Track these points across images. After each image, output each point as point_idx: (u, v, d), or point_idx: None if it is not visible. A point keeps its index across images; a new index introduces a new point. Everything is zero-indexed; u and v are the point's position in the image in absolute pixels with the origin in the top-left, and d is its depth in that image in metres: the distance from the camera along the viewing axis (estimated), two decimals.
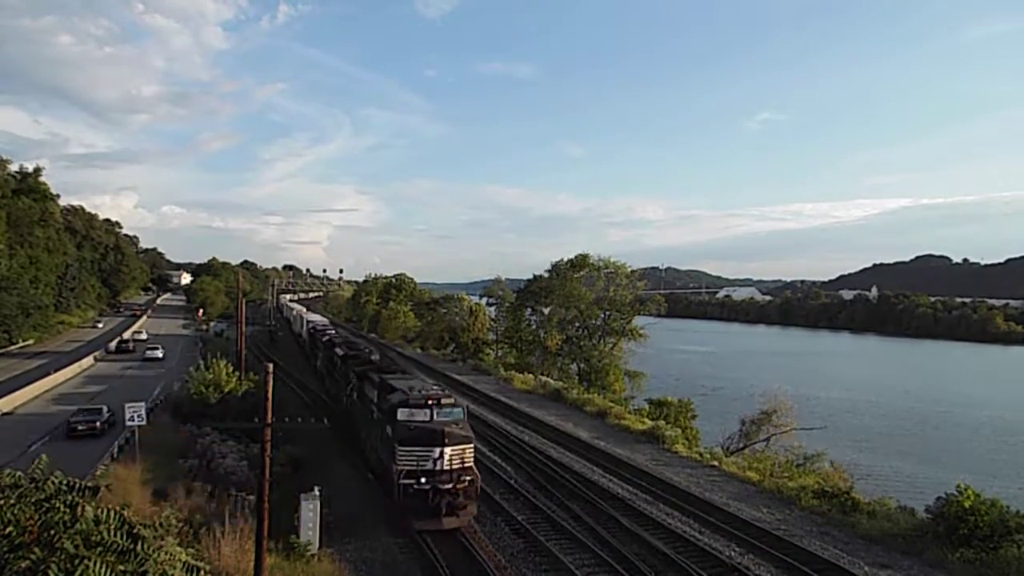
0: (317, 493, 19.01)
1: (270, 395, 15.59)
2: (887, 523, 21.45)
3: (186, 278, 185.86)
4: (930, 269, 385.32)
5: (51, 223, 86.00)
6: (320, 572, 17.39)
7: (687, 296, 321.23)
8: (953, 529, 19.46)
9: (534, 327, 70.80)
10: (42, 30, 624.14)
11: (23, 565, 5.23)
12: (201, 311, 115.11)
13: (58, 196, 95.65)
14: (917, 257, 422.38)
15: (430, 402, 20.76)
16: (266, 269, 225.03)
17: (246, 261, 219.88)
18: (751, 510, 23.25)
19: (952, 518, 19.65)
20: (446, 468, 19.62)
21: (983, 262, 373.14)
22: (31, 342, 67.24)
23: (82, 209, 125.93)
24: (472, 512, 20.30)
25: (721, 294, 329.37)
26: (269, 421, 15.31)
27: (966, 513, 19.43)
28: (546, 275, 69.81)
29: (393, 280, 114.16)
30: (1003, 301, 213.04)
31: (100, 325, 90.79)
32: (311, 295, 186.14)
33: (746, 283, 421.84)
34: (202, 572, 6.20)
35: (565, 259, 69.20)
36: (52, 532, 5.45)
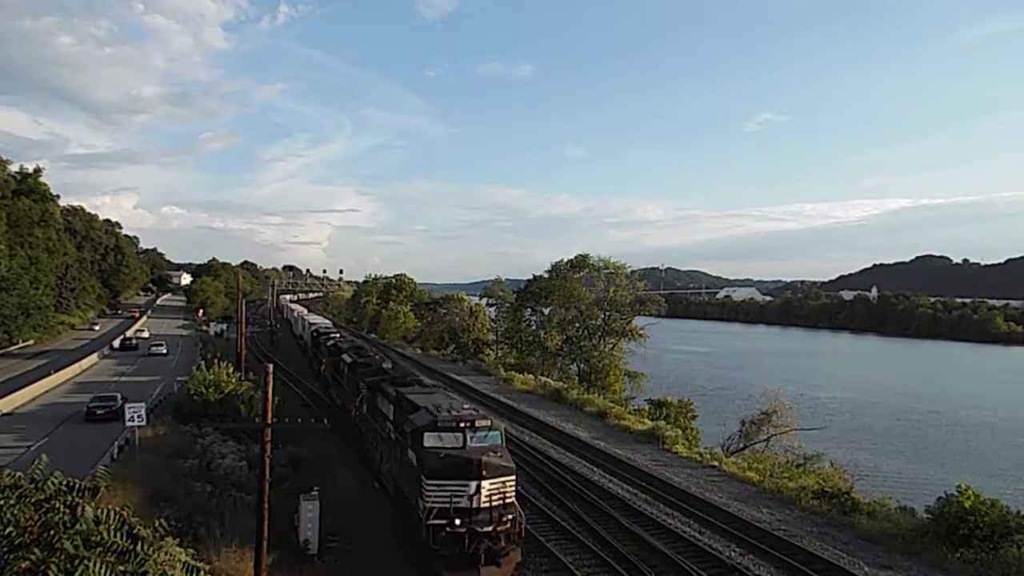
0: (316, 494, 19.01)
1: (270, 396, 15.60)
2: (887, 523, 21.46)
3: (186, 279, 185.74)
4: (930, 269, 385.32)
5: (51, 224, 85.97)
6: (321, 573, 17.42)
7: (687, 296, 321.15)
8: (953, 529, 19.47)
9: (534, 327, 70.80)
10: (42, 30, 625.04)
11: (23, 565, 5.23)
12: (201, 311, 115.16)
13: (58, 197, 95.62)
14: (917, 257, 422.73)
15: (462, 425, 17.75)
16: (266, 269, 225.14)
17: (246, 262, 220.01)
18: (751, 510, 23.25)
19: (952, 518, 19.65)
20: (484, 506, 16.58)
21: (983, 262, 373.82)
22: (31, 343, 67.27)
23: (82, 210, 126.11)
24: (516, 559, 17.13)
25: (721, 294, 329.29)
26: (269, 421, 15.32)
27: (966, 513, 19.44)
28: (546, 276, 69.81)
29: (393, 280, 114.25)
30: (1003, 301, 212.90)
31: (97, 327, 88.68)
32: (311, 296, 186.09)
33: (746, 283, 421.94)
34: (202, 573, 6.20)
35: (565, 260, 69.29)
36: (52, 532, 5.45)
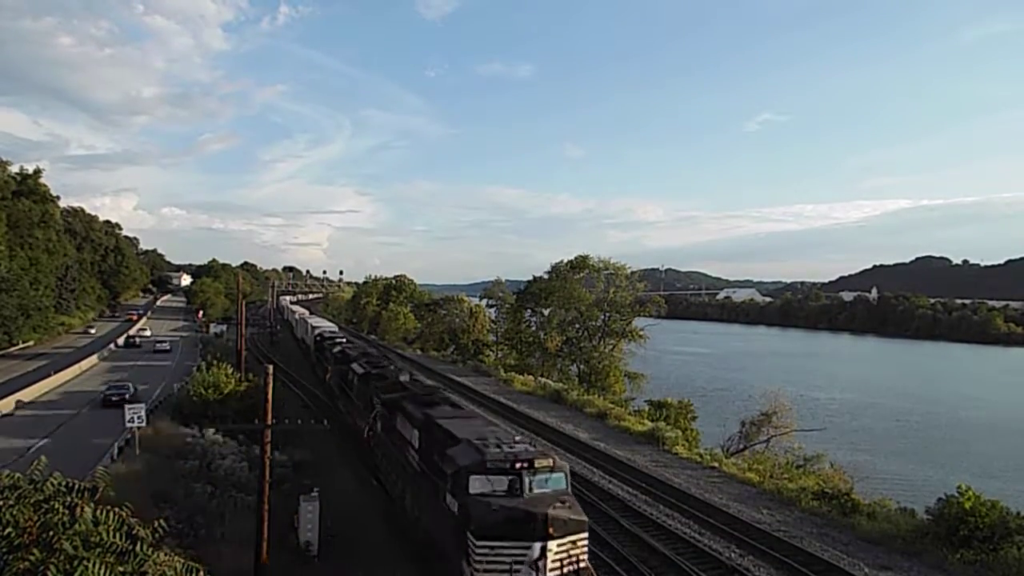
0: (316, 494, 19.01)
1: (270, 396, 15.61)
2: (887, 524, 21.45)
3: (186, 279, 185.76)
4: (930, 270, 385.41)
5: (51, 225, 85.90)
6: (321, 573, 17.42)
7: (687, 297, 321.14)
8: (953, 530, 19.46)
9: (534, 328, 70.82)
10: (42, 31, 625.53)
11: (22, 566, 5.23)
12: (201, 312, 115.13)
13: (58, 198, 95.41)
14: (917, 258, 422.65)
15: (518, 465, 13.93)
16: (266, 270, 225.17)
17: (246, 262, 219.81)
18: (751, 511, 23.25)
19: (952, 519, 19.64)
20: (551, 574, 12.98)
21: (983, 263, 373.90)
22: (31, 343, 67.28)
23: (82, 211, 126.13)
24: None
25: (721, 295, 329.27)
26: (269, 422, 15.33)
27: (966, 514, 19.43)
28: (546, 276, 69.86)
29: (393, 281, 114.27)
30: (1003, 302, 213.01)
31: (93, 331, 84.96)
32: (311, 296, 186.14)
33: (746, 284, 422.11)
34: (201, 573, 6.19)
35: (565, 260, 69.39)
36: (51, 533, 5.45)
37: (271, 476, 15.89)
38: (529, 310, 71.73)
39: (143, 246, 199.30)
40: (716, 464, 29.81)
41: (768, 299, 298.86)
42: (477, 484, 13.79)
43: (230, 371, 35.55)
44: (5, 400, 37.29)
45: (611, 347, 66.07)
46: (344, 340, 48.92)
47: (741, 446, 39.73)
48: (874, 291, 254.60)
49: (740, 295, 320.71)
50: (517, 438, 16.17)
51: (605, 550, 18.99)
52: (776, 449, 37.71)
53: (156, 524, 6.39)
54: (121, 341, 72.85)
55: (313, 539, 18.35)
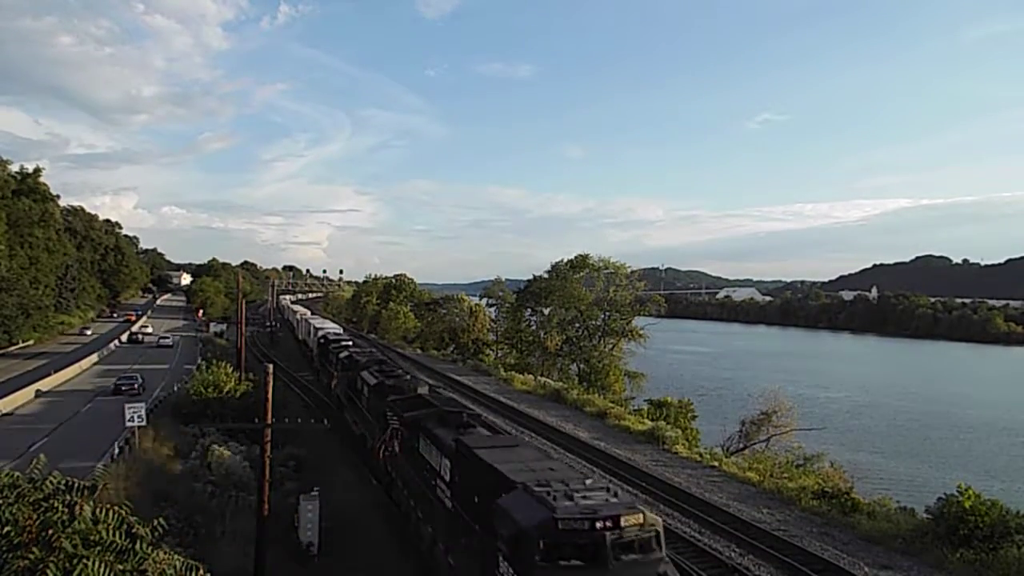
0: (316, 494, 19.01)
1: (270, 396, 15.63)
2: (887, 524, 21.45)
3: (186, 279, 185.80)
4: (930, 269, 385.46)
5: (51, 224, 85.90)
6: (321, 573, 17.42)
7: (687, 296, 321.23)
8: (953, 530, 19.45)
9: (534, 328, 70.81)
10: (43, 31, 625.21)
11: (22, 564, 5.22)
12: (201, 312, 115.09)
13: (58, 197, 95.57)
14: (917, 258, 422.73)
15: (600, 526, 10.39)
16: (266, 270, 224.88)
17: (246, 262, 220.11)
18: (751, 511, 23.24)
19: (952, 519, 19.63)
20: None
21: (983, 262, 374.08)
22: (31, 342, 67.28)
23: (82, 210, 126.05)
24: None
25: (721, 294, 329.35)
26: (269, 421, 15.34)
27: (966, 514, 19.41)
28: (546, 276, 69.85)
29: (393, 280, 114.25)
30: (1003, 302, 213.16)
31: (89, 332, 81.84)
32: (311, 296, 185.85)
33: (746, 283, 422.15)
34: (201, 571, 6.19)
35: (565, 260, 69.38)
36: (51, 532, 5.45)
37: (271, 475, 15.92)
38: (529, 309, 71.73)
39: (143, 245, 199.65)
40: (716, 463, 29.81)
41: (768, 298, 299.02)
42: (547, 554, 10.24)
43: (230, 370, 35.57)
44: (25, 390, 40.58)
45: (611, 346, 66.08)
46: (350, 343, 45.94)
47: (741, 445, 39.74)
48: (874, 290, 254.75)
49: (740, 294, 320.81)
50: (588, 481, 12.10)
51: None
52: (776, 448, 37.73)
53: (155, 523, 6.38)
54: (124, 338, 76.76)
55: (313, 538, 18.36)
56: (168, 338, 75.64)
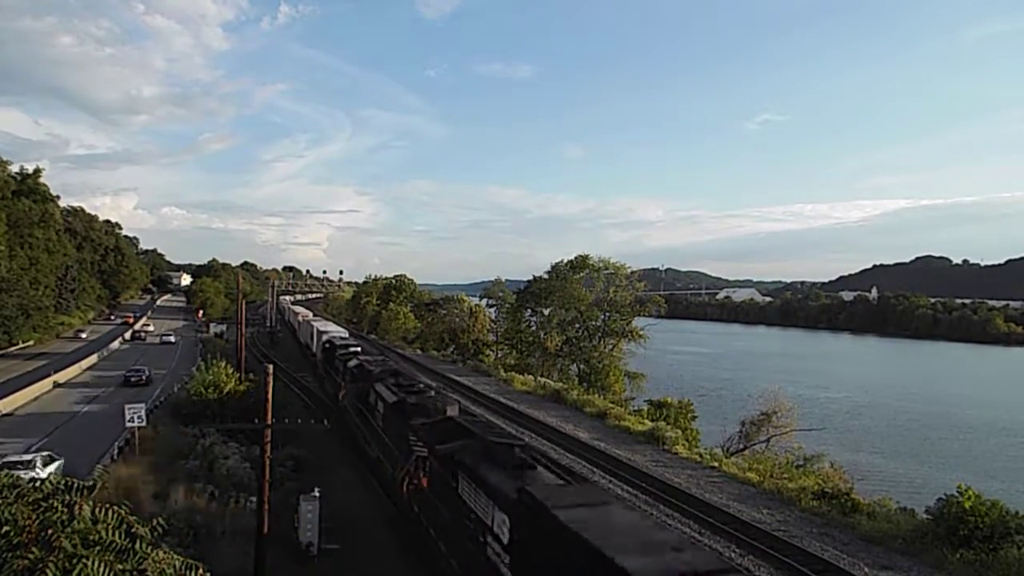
0: (316, 494, 19.00)
1: (270, 396, 15.62)
2: (887, 524, 21.45)
3: (186, 279, 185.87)
4: (930, 270, 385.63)
5: (51, 224, 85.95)
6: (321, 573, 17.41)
7: (687, 297, 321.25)
8: (953, 530, 19.46)
9: (534, 328, 70.84)
10: (43, 31, 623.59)
11: (22, 564, 5.22)
12: (201, 312, 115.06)
13: (58, 197, 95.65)
14: (917, 258, 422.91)
15: None
16: (266, 270, 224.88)
17: (246, 262, 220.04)
18: (751, 511, 23.25)
19: (952, 519, 19.64)
20: None
21: (983, 263, 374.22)
22: (31, 343, 67.29)
23: (82, 210, 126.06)
24: None
25: (721, 295, 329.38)
26: (269, 422, 15.34)
27: (966, 514, 19.42)
28: (546, 276, 69.88)
29: (393, 281, 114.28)
30: (1003, 302, 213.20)
31: (84, 335, 79.13)
32: (311, 296, 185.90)
33: (746, 284, 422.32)
34: (200, 570, 6.19)
35: (565, 260, 69.42)
36: (50, 531, 5.45)
37: (271, 476, 15.91)
38: (529, 310, 71.75)
39: (143, 246, 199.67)
40: (716, 464, 29.81)
41: (768, 299, 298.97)
42: None
43: (230, 370, 35.57)
44: (44, 380, 44.39)
45: (611, 347, 66.10)
46: (359, 349, 42.17)
47: (741, 446, 39.75)
48: (874, 291, 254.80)
49: (740, 295, 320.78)
50: (698, 554, 9.47)
51: None
52: (776, 449, 37.73)
53: (155, 522, 6.39)
54: (128, 336, 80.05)
55: (313, 539, 18.35)
56: (171, 335, 79.71)
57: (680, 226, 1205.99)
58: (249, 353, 52.90)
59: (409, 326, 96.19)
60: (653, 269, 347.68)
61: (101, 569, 5.30)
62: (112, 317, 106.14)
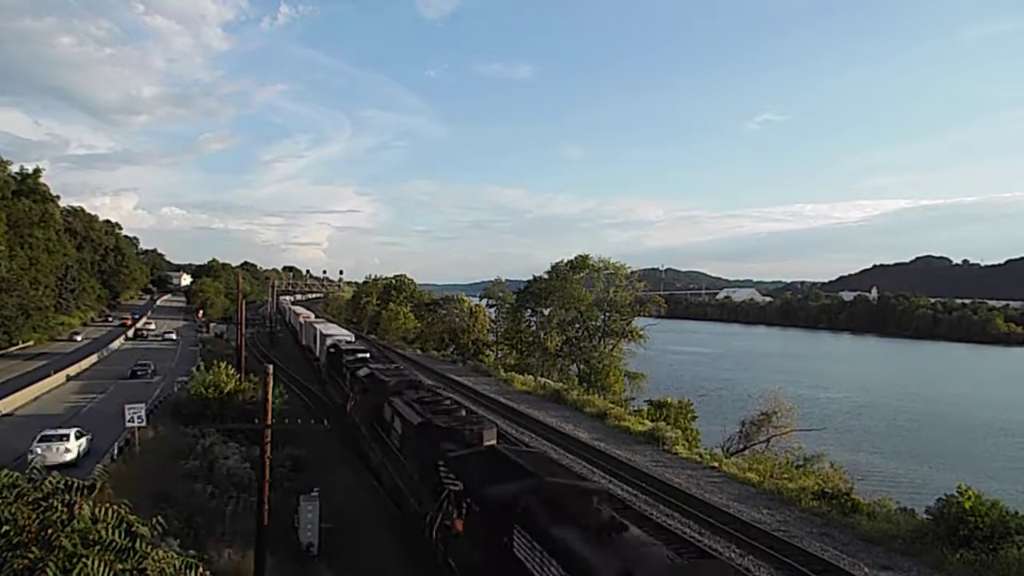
0: (316, 494, 19.00)
1: (270, 396, 15.61)
2: (887, 524, 21.45)
3: (186, 279, 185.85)
4: (930, 270, 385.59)
5: (51, 224, 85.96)
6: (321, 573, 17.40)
7: (687, 297, 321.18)
8: (953, 530, 19.46)
9: (534, 328, 70.85)
10: (43, 31, 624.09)
11: (22, 564, 5.22)
12: (201, 312, 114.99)
13: (58, 197, 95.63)
14: (917, 258, 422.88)
15: None
16: (266, 270, 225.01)
17: (246, 262, 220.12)
18: (751, 511, 23.24)
19: (952, 519, 19.64)
20: None
21: (983, 263, 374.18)
22: (31, 343, 67.28)
23: (82, 210, 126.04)
24: None
25: (721, 295, 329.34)
26: (269, 422, 15.33)
27: (966, 514, 19.42)
28: (546, 276, 69.90)
29: (393, 281, 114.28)
30: (1003, 302, 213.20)
31: (79, 338, 75.78)
32: (311, 296, 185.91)
33: (746, 284, 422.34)
34: (200, 569, 6.19)
35: (565, 260, 69.45)
36: (50, 531, 5.45)
37: (271, 476, 15.90)
38: (529, 310, 71.76)
39: (143, 246, 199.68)
40: (716, 464, 29.80)
41: (768, 299, 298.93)
42: None
43: (231, 371, 35.55)
44: (59, 374, 47.44)
45: (611, 347, 66.10)
46: (367, 355, 38.58)
47: (741, 446, 39.74)
48: (874, 291, 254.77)
49: (740, 295, 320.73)
50: None
51: None
52: (776, 449, 37.73)
53: (155, 522, 6.39)
54: (131, 334, 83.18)
55: (313, 539, 18.36)
56: (172, 333, 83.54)
57: (680, 226, 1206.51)
58: (249, 353, 52.89)
59: (409, 326, 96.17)
60: (653, 269, 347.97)
61: (101, 568, 5.30)
62: (109, 318, 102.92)
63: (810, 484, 25.92)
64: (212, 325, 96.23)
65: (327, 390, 41.74)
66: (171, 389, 42.38)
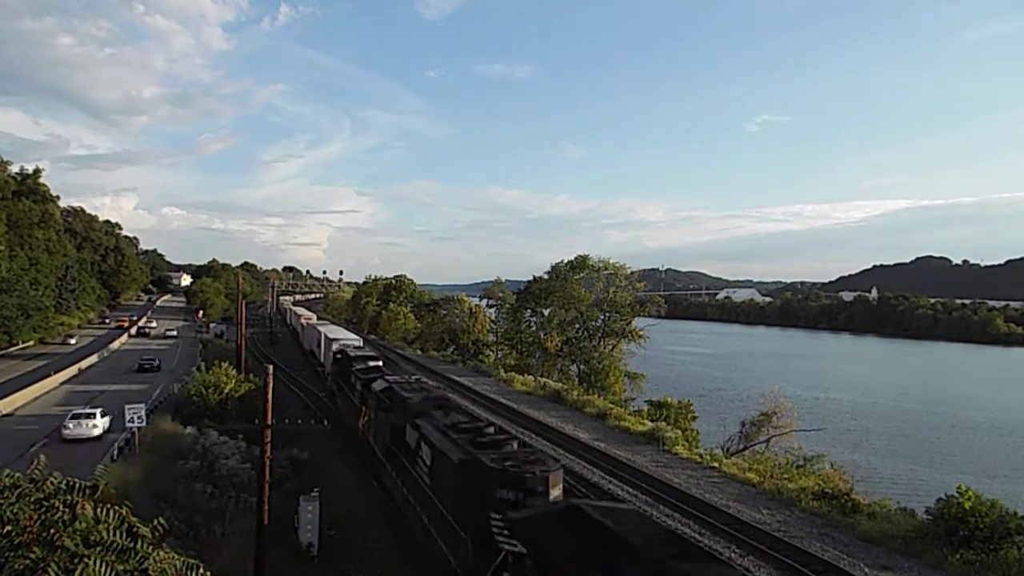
0: (316, 495, 19.01)
1: (270, 397, 15.63)
2: (887, 524, 21.46)
3: (186, 279, 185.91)
4: (930, 270, 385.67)
5: (51, 225, 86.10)
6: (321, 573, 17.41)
7: (687, 297, 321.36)
8: (953, 530, 19.47)
9: (534, 329, 70.88)
10: (43, 31, 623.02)
11: (23, 564, 5.23)
12: (201, 312, 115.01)
13: (58, 197, 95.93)
14: (917, 258, 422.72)
15: None
16: (266, 270, 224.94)
17: (246, 262, 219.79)
18: (751, 512, 23.25)
19: (952, 519, 19.66)
20: None
21: (983, 263, 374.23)
22: (31, 343, 67.35)
23: (82, 210, 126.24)
24: None
25: (721, 295, 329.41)
26: (269, 422, 15.35)
27: (966, 514, 19.44)
28: (546, 277, 69.94)
29: (393, 281, 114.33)
30: (1003, 302, 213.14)
31: (73, 341, 72.22)
32: (311, 297, 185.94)
33: (746, 284, 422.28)
34: (201, 570, 6.20)
35: (565, 260, 69.53)
36: (52, 531, 5.46)
37: (271, 476, 15.92)
38: (529, 310, 71.82)
39: (143, 246, 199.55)
40: (716, 464, 29.80)
41: (768, 299, 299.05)
42: None
43: (231, 371, 35.59)
44: (71, 368, 51.66)
45: (611, 347, 66.14)
46: (380, 363, 35.43)
47: (741, 446, 39.75)
48: (874, 291, 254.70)
49: (740, 295, 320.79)
50: None
51: None
52: (776, 449, 37.73)
53: (156, 522, 6.40)
54: (134, 331, 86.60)
55: (313, 539, 18.37)
56: (173, 330, 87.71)
57: (680, 226, 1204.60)
58: (249, 354, 52.93)
59: (409, 326, 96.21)
60: (653, 269, 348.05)
61: (103, 569, 5.30)
62: (106, 320, 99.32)
63: (810, 484, 25.92)
64: (212, 325, 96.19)
65: (335, 402, 37.85)
66: (171, 389, 42.46)
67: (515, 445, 16.78)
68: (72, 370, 51.07)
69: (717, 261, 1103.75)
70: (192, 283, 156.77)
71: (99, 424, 30.17)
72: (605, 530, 10.69)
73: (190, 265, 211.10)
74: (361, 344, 47.82)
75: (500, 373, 58.59)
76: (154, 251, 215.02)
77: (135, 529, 5.87)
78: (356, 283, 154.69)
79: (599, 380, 60.83)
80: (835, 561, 18.76)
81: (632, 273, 68.79)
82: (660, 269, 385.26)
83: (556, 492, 14.22)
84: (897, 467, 46.17)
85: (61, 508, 5.75)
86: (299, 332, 77.06)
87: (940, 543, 19.48)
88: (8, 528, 5.52)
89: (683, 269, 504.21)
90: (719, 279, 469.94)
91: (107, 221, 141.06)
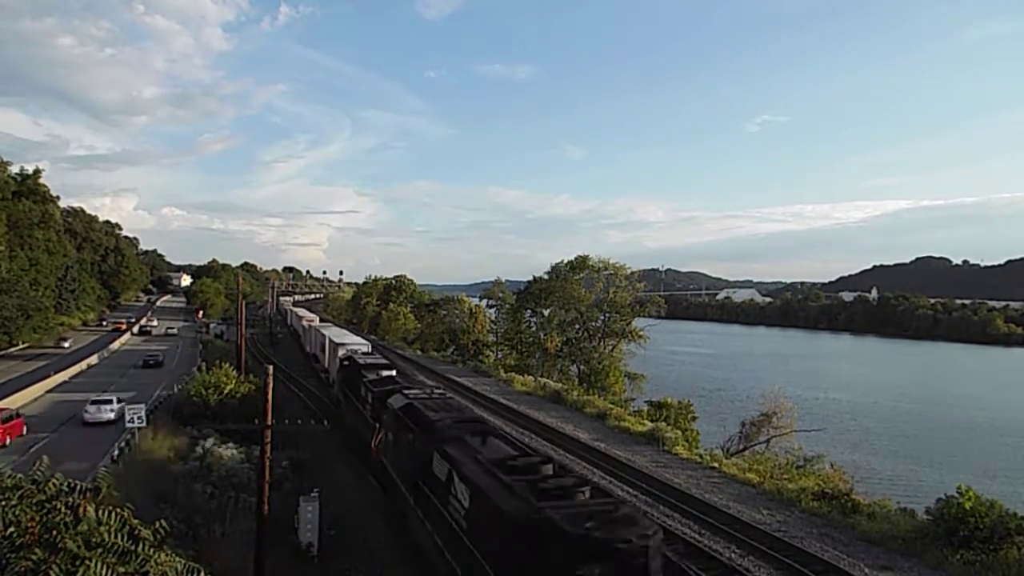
0: (316, 495, 19.02)
1: (270, 397, 15.64)
2: (887, 525, 21.46)
3: (186, 280, 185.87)
4: (930, 270, 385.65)
5: (51, 225, 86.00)
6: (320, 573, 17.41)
7: (687, 298, 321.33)
8: (953, 531, 19.47)
9: (534, 329, 70.89)
10: (43, 32, 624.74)
11: (25, 566, 5.24)
12: (201, 312, 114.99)
13: (58, 198, 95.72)
14: (917, 259, 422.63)
15: None
16: (266, 271, 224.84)
17: (246, 263, 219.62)
18: (751, 512, 23.25)
19: (952, 520, 19.66)
20: None
21: (983, 263, 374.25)
22: (28, 344, 67.33)
23: (82, 211, 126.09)
24: None
25: (721, 296, 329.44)
26: (269, 423, 15.36)
27: (966, 515, 19.44)
28: (546, 277, 69.95)
29: (393, 282, 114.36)
30: (1003, 303, 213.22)
31: (67, 344, 69.48)
32: (311, 297, 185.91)
33: (746, 284, 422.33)
34: (202, 574, 6.21)
35: (565, 261, 69.53)
36: (54, 533, 5.47)
37: (271, 477, 15.93)
38: (529, 310, 71.82)
39: (143, 246, 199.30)
40: (716, 464, 29.79)
41: (768, 299, 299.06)
42: None
43: (231, 372, 35.61)
44: (79, 364, 54.15)
45: (611, 347, 66.15)
46: (393, 372, 32.26)
47: (741, 446, 39.76)
48: (874, 291, 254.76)
49: (740, 295, 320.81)
50: None
51: None
52: (776, 449, 37.77)
53: (158, 525, 6.41)
54: (136, 329, 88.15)
55: (313, 539, 18.37)
56: (174, 328, 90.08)
57: (680, 227, 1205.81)
58: (248, 354, 52.94)
59: (409, 327, 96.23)
60: (653, 270, 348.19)
61: (104, 571, 5.32)
62: (103, 322, 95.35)
63: (810, 485, 25.92)
64: (212, 325, 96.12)
65: (342, 415, 34.23)
66: (172, 388, 42.46)
67: (587, 493, 12.39)
68: (81, 365, 53.71)
69: (717, 261, 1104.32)
70: (192, 283, 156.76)
71: (115, 409, 33.52)
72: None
73: (190, 265, 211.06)
74: (369, 349, 44.12)
75: (500, 373, 58.58)
76: (154, 251, 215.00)
77: (136, 531, 5.89)
78: (356, 283, 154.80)
79: (599, 380, 60.83)
80: (835, 561, 18.76)
81: (632, 273, 68.82)
82: (660, 269, 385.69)
83: (656, 564, 10.88)
84: (897, 467, 46.17)
85: (63, 510, 5.77)
86: (300, 334, 74.27)
87: (940, 543, 19.48)
88: (10, 530, 5.53)
89: (683, 269, 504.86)
90: (719, 279, 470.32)
91: (107, 221, 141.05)
